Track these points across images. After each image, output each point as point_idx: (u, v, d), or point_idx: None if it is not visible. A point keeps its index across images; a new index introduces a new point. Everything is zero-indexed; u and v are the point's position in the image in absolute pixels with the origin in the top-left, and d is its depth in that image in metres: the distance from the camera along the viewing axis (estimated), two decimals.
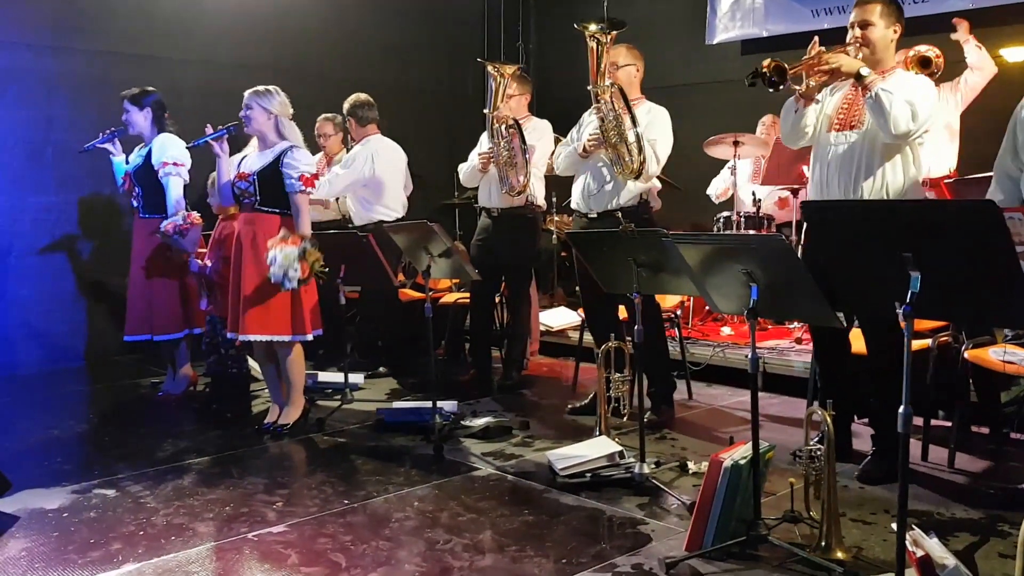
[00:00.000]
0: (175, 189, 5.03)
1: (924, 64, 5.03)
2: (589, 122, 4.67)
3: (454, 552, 3.07)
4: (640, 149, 4.41)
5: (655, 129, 4.55)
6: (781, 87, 3.67)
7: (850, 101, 3.78)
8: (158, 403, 5.28)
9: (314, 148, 6.20)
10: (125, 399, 5.48)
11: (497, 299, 5.76)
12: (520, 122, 5.28)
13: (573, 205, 4.83)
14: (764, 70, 3.66)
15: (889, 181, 3.67)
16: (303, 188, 4.37)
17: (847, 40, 3.77)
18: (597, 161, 4.63)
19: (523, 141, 5.18)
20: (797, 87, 3.77)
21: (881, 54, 3.74)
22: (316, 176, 4.51)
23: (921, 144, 3.70)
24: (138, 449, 4.31)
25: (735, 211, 6.01)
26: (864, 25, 3.71)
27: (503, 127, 5.20)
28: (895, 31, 3.74)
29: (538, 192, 5.45)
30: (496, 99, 5.18)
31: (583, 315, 5.72)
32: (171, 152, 5.06)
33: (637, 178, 4.48)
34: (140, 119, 5.16)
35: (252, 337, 4.39)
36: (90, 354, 6.51)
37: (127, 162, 5.29)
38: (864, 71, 3.62)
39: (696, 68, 7.71)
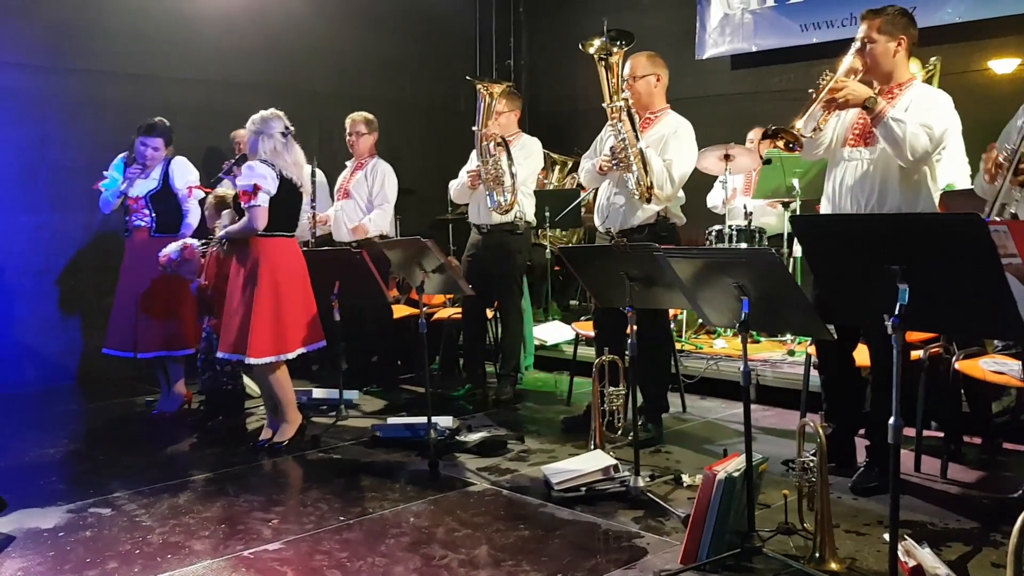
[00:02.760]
0: (196, 211, 5.32)
1: None
2: (607, 139, 4.59)
3: (450, 567, 3.07)
4: (647, 172, 4.40)
5: (671, 148, 4.48)
6: (798, 148, 3.60)
7: (866, 116, 3.69)
8: (153, 421, 5.28)
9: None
10: (119, 417, 5.47)
11: (491, 314, 5.77)
12: (509, 139, 5.33)
13: (596, 223, 4.81)
14: (782, 139, 3.56)
15: (904, 199, 3.60)
16: (243, 205, 4.39)
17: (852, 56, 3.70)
18: (613, 179, 4.62)
19: (510, 159, 5.23)
20: (810, 136, 3.68)
21: (889, 68, 3.67)
22: (258, 188, 4.38)
23: (939, 160, 3.64)
24: (133, 467, 4.31)
25: (726, 224, 6.04)
26: (865, 43, 3.65)
27: (490, 145, 5.24)
28: (899, 43, 3.65)
29: (527, 208, 5.49)
30: (485, 117, 5.21)
31: (583, 329, 5.75)
32: (192, 177, 5.30)
33: (648, 201, 4.45)
34: (164, 149, 5.27)
35: (233, 356, 4.45)
36: (84, 373, 6.51)
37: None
38: (870, 102, 3.53)
39: (686, 83, 7.75)
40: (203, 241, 5.15)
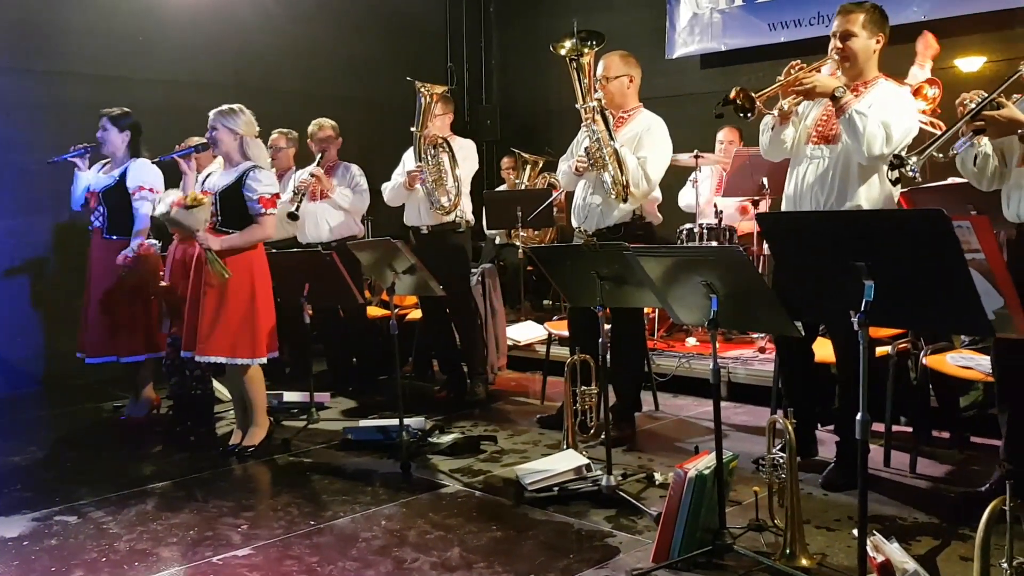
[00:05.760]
0: (145, 214, 5.10)
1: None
2: (582, 140, 4.60)
3: (422, 570, 3.05)
4: (622, 171, 4.40)
5: (645, 146, 4.49)
6: (750, 115, 3.63)
7: (829, 114, 3.74)
8: (121, 427, 5.20)
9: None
10: (87, 423, 5.40)
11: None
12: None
13: (573, 223, 4.81)
14: (733, 99, 3.62)
15: (863, 197, 3.65)
16: (263, 210, 4.38)
17: (828, 50, 3.74)
18: (589, 180, 4.62)
19: (452, 159, 5.24)
20: (770, 111, 3.76)
21: (863, 65, 3.71)
22: (277, 196, 4.50)
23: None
24: (100, 474, 4.25)
25: (697, 223, 6.07)
26: (846, 36, 3.67)
27: (431, 146, 5.24)
28: (878, 41, 3.70)
29: (466, 208, 5.50)
30: (424, 118, 5.22)
31: (556, 328, 5.74)
32: (147, 178, 5.11)
33: (625, 200, 4.46)
34: (117, 139, 5.15)
35: (206, 358, 4.37)
36: (51, 378, 6.40)
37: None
38: (839, 92, 3.58)
39: (656, 82, 7.74)
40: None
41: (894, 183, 3.10)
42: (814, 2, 6.73)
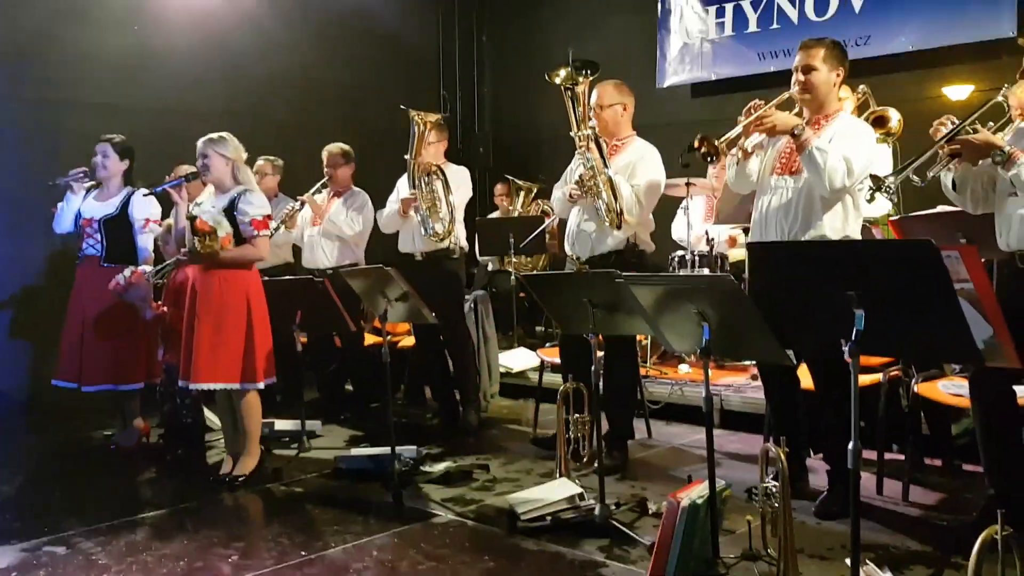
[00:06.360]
0: (149, 245, 5.19)
1: (878, 123, 5.08)
2: (576, 168, 4.64)
3: None
4: (616, 199, 4.43)
5: (639, 173, 4.54)
6: (712, 158, 3.79)
7: (792, 146, 3.81)
8: (110, 455, 5.16)
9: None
10: (76, 452, 5.35)
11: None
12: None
13: (566, 250, 4.84)
14: (697, 147, 3.77)
15: (827, 226, 3.72)
16: (255, 232, 4.39)
17: (792, 83, 3.84)
18: (582, 207, 4.65)
19: (446, 186, 5.27)
20: (733, 152, 3.86)
21: (824, 98, 3.80)
22: (269, 218, 4.50)
23: (861, 190, 3.72)
24: (89, 503, 4.21)
25: (689, 250, 6.09)
26: (807, 70, 3.77)
27: (425, 173, 5.28)
28: (838, 75, 3.80)
29: (460, 234, 5.52)
30: (418, 145, 5.26)
31: (548, 355, 5.74)
32: (154, 211, 5.20)
33: (619, 227, 4.49)
34: (117, 167, 5.17)
35: (203, 385, 4.34)
36: (40, 406, 6.35)
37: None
38: (798, 130, 3.68)
39: (647, 111, 7.79)
40: (157, 269, 5.06)
41: (870, 201, 3.18)
42: (802, 32, 6.80)
